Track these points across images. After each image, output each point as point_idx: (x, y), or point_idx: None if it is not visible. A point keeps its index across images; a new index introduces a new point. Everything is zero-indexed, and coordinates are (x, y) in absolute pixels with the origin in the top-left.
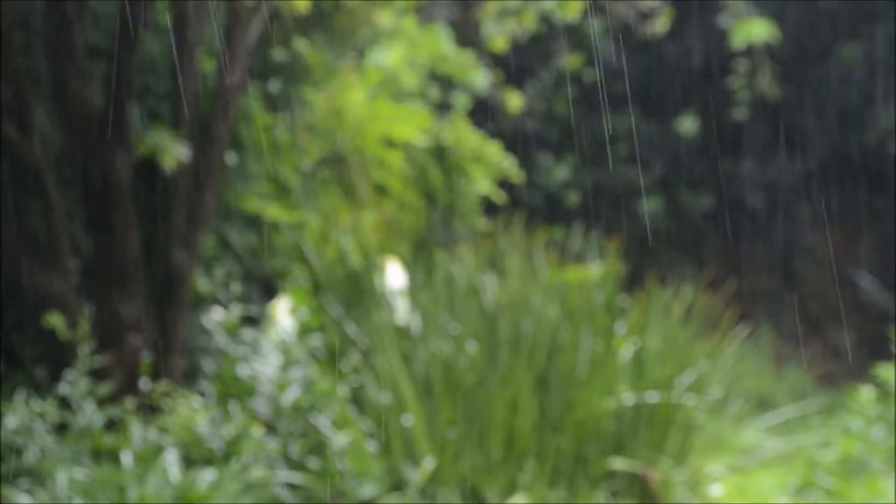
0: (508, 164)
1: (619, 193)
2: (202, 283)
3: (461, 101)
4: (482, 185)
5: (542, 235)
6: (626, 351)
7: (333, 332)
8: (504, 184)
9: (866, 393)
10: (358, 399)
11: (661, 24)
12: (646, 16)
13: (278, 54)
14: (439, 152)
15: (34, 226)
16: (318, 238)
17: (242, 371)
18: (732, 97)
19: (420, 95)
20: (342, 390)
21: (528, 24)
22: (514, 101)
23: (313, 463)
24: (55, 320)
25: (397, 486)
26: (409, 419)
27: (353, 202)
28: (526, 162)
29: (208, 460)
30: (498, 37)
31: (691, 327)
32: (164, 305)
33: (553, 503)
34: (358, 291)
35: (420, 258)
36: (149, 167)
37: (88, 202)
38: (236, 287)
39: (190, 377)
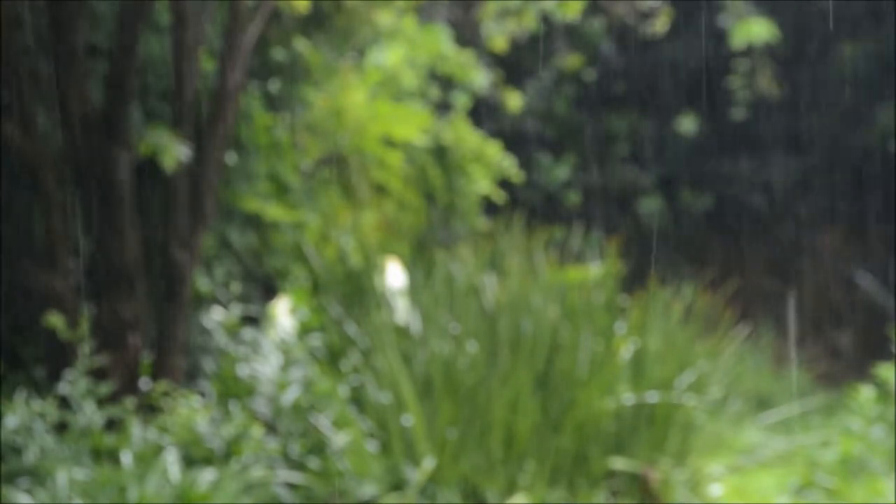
0: (508, 164)
1: (619, 193)
2: (202, 283)
3: (461, 101)
4: (482, 184)
5: (542, 235)
6: (626, 351)
7: (333, 332)
8: (504, 184)
9: (866, 393)
10: (358, 399)
11: (661, 24)
12: (646, 16)
13: (278, 54)
14: (439, 152)
15: (34, 226)
16: (318, 238)
17: (242, 371)
18: (732, 97)
19: (420, 95)
20: (342, 390)
21: (528, 24)
22: (514, 101)
23: (313, 463)
24: (55, 320)
25: (397, 486)
26: (409, 419)
27: (353, 202)
28: (526, 162)
29: (208, 460)
30: (498, 37)
31: (691, 327)
32: (164, 305)
33: (553, 503)
34: (358, 291)
35: (420, 258)
36: (149, 167)
37: (88, 202)
38: (236, 287)
39: (190, 377)
